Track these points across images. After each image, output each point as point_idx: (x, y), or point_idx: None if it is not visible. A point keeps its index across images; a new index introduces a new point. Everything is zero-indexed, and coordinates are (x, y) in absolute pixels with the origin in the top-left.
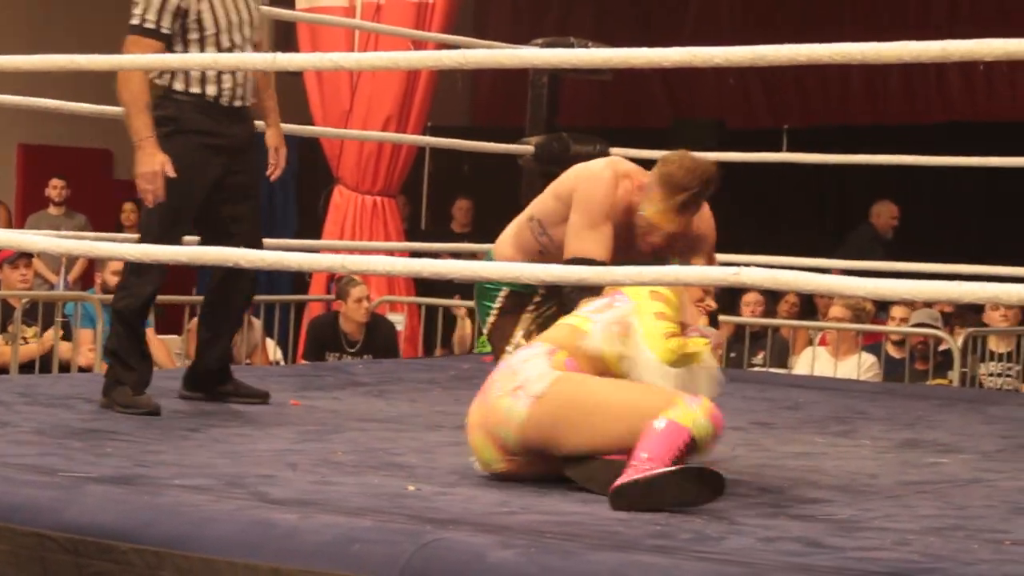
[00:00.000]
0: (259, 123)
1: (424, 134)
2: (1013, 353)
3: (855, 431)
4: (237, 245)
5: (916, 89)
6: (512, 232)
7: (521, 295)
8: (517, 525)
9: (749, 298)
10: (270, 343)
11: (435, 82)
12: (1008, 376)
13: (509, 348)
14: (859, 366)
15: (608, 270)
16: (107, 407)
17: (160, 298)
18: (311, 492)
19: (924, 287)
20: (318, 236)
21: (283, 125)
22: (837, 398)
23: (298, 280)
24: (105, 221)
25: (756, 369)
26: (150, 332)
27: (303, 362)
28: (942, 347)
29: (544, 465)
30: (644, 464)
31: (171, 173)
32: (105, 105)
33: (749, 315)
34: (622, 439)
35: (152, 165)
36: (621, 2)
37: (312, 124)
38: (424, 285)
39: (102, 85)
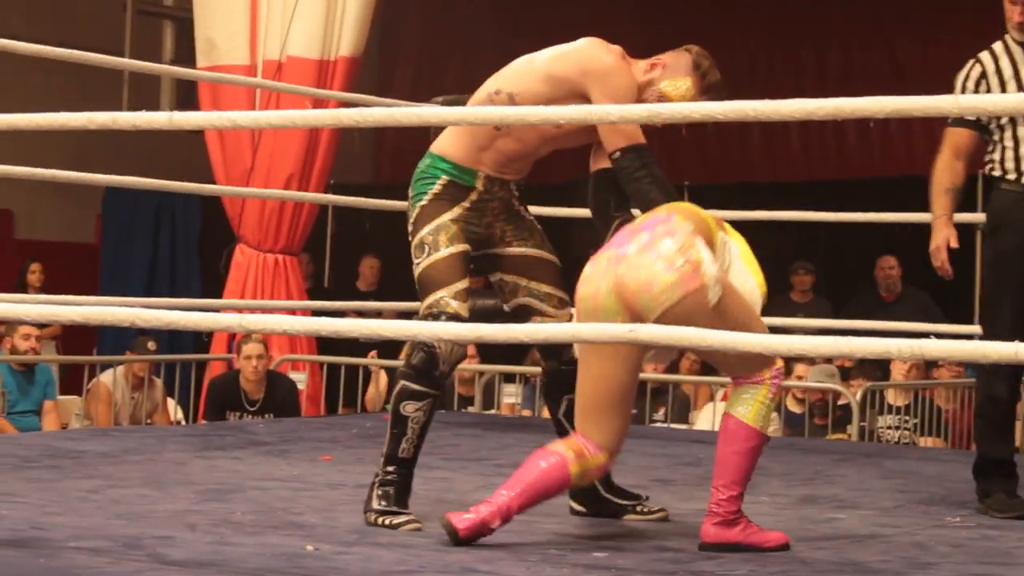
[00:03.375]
0: None
1: (327, 191)
2: (911, 406)
3: (755, 487)
4: None
5: (814, 146)
6: None
7: (461, 187)
8: None
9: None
10: (171, 402)
11: (337, 140)
12: (905, 429)
13: (425, 232)
14: None
15: (501, 328)
16: None
17: (60, 358)
18: (209, 553)
19: (821, 343)
20: (220, 295)
21: (183, 184)
22: None
23: (200, 339)
24: (4, 282)
25: (657, 425)
26: (49, 404)
27: (204, 421)
28: (842, 401)
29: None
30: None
31: (954, 244)
32: (4, 165)
33: (651, 371)
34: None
35: (935, 241)
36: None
37: (214, 182)
38: (327, 343)
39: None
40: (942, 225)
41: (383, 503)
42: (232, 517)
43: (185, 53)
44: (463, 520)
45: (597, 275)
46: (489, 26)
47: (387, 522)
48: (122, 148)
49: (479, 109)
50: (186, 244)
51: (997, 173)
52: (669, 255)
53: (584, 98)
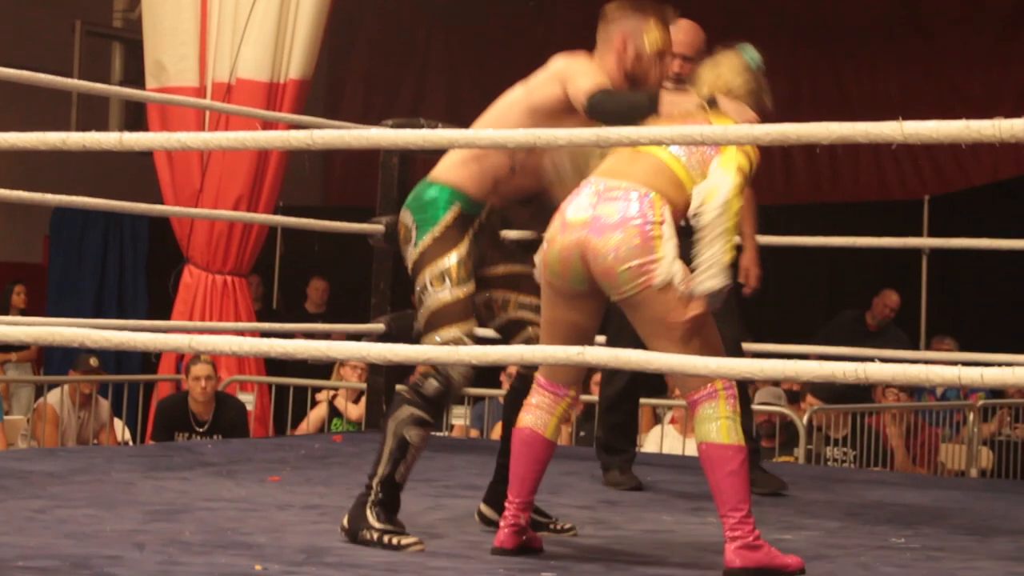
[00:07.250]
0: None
1: (276, 213)
2: (850, 437)
3: (702, 509)
4: None
5: (761, 172)
6: (468, 153)
7: (469, 218)
8: None
9: (598, 377)
10: (118, 423)
11: (286, 162)
12: (846, 463)
13: (446, 263)
14: None
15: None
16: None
17: (10, 377)
18: (158, 573)
19: (767, 365)
20: (168, 316)
21: (132, 204)
22: (685, 476)
23: (147, 360)
24: None
25: None
26: None
27: (152, 442)
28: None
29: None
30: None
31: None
32: None
33: (598, 394)
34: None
35: None
36: (473, 84)
37: (163, 204)
38: (275, 365)
39: None
40: None
41: (381, 522)
42: (180, 537)
43: (134, 74)
44: (496, 538)
45: (566, 238)
46: (439, 50)
47: (394, 541)
48: (71, 169)
49: (427, 132)
50: (134, 265)
51: None
52: (633, 246)
53: None
